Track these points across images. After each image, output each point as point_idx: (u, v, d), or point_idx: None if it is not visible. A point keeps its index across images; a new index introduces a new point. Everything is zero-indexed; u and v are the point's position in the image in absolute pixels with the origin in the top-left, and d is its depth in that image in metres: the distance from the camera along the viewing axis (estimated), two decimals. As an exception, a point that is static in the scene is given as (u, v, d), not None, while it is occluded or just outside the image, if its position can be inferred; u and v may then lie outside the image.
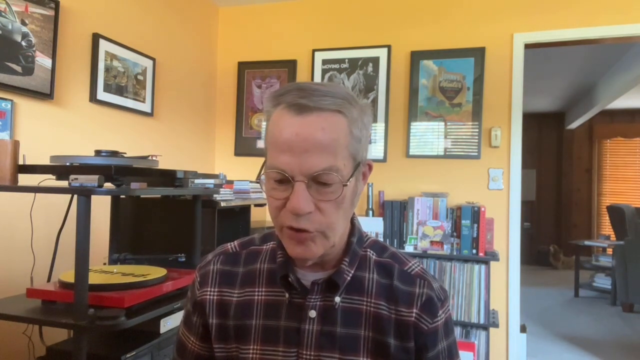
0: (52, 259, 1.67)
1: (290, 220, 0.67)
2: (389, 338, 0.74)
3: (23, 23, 1.96)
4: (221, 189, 2.17)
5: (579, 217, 7.38)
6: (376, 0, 3.17)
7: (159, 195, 1.93)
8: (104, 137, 2.44)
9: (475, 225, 2.63)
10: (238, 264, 0.82)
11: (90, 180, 1.28)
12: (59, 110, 2.18)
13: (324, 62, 3.24)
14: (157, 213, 2.00)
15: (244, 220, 2.46)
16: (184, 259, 1.73)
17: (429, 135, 3.00)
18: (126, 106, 2.58)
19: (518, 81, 2.87)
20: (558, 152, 7.54)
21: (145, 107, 2.74)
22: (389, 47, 3.11)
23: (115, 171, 1.37)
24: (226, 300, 0.79)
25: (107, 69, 2.44)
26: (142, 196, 2.03)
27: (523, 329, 2.87)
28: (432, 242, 2.68)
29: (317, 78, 3.24)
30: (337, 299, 0.75)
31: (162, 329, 1.53)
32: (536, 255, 7.33)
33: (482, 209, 2.63)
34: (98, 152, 1.58)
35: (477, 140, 2.91)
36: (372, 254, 0.79)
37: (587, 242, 5.65)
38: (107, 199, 2.00)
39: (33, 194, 1.86)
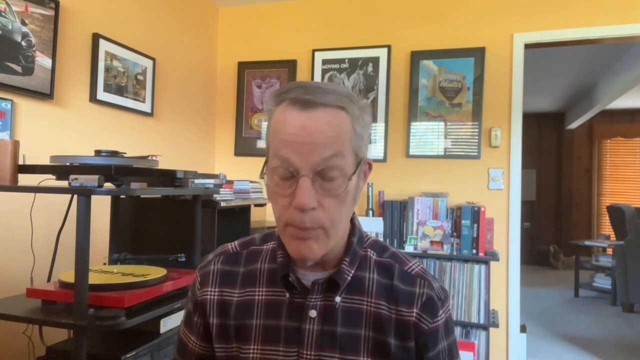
0: (52, 259, 1.67)
1: (295, 217, 0.67)
2: (389, 338, 0.74)
3: (23, 23, 1.96)
4: (221, 189, 2.17)
5: (579, 217, 7.38)
6: (376, 0, 3.17)
7: (159, 195, 1.93)
8: (104, 137, 2.44)
9: (475, 225, 2.63)
10: (239, 264, 0.82)
11: (90, 180, 1.28)
12: (59, 110, 2.18)
13: (324, 62, 3.24)
14: (157, 213, 2.00)
15: (244, 220, 2.46)
16: (184, 259, 1.73)
17: (429, 135, 3.01)
18: (126, 106, 2.58)
19: (518, 81, 2.87)
20: (558, 152, 7.54)
21: (145, 107, 2.74)
22: (389, 47, 3.11)
23: (115, 171, 1.37)
24: (227, 300, 0.79)
25: (107, 69, 2.44)
26: (142, 196, 2.03)
27: (523, 329, 2.87)
28: (432, 242, 2.68)
29: (317, 78, 3.24)
30: (338, 298, 0.75)
31: (162, 329, 1.53)
32: (536, 255, 7.33)
33: (482, 209, 2.63)
34: (98, 152, 1.58)
35: (477, 140, 2.91)
36: (373, 254, 0.79)
37: (587, 242, 5.65)
38: (107, 199, 2.00)
39: (33, 194, 1.86)
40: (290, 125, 0.67)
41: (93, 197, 1.28)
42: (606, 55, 4.59)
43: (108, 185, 1.34)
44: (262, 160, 0.74)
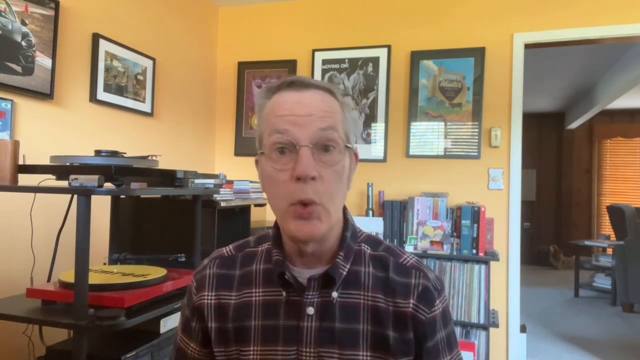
0: (52, 259, 1.67)
1: (297, 191, 0.68)
2: (387, 330, 0.74)
3: (23, 23, 1.96)
4: (221, 189, 2.17)
5: (579, 217, 7.38)
6: (376, 0, 3.17)
7: (159, 195, 1.93)
8: (104, 137, 2.44)
9: (475, 225, 2.63)
10: (234, 267, 0.82)
11: (90, 180, 1.28)
12: (59, 110, 2.18)
13: (324, 62, 3.24)
14: (157, 213, 2.00)
15: (244, 220, 2.46)
16: (184, 259, 1.73)
17: (429, 135, 3.01)
18: (126, 106, 2.58)
19: (518, 81, 2.87)
20: (558, 152, 7.54)
21: (145, 107, 2.74)
22: (389, 47, 3.11)
23: (115, 171, 1.37)
24: (224, 304, 0.79)
25: (107, 69, 2.44)
26: (142, 196, 2.03)
27: (523, 329, 2.87)
28: (432, 242, 2.68)
29: (317, 78, 3.23)
30: (335, 294, 0.75)
31: (162, 329, 1.53)
32: (536, 255, 7.33)
33: (482, 209, 2.63)
34: (98, 152, 1.58)
35: (477, 140, 2.91)
36: (367, 248, 0.80)
37: (587, 242, 5.65)
38: (107, 199, 2.00)
39: (33, 194, 1.86)
40: (286, 103, 0.71)
41: (93, 197, 1.28)
42: (606, 55, 4.59)
43: (108, 185, 1.34)
44: None
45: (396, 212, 2.84)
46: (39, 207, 1.94)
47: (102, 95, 2.41)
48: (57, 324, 1.29)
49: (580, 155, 7.41)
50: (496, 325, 2.62)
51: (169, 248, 1.84)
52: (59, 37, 2.13)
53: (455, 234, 2.71)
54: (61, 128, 2.19)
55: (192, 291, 0.82)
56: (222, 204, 2.12)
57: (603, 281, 5.13)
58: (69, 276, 1.39)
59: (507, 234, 2.87)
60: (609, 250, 5.48)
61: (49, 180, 1.54)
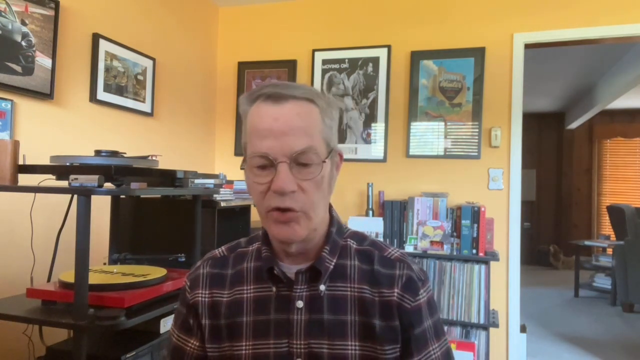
0: (52, 259, 1.67)
1: (276, 200, 0.71)
2: (374, 319, 0.76)
3: (23, 23, 1.96)
4: (221, 189, 2.17)
5: (579, 217, 7.38)
6: (376, 0, 3.17)
7: (159, 195, 1.93)
8: (104, 137, 2.44)
9: (475, 225, 2.63)
10: (226, 266, 0.84)
11: (90, 180, 1.28)
12: (59, 110, 2.18)
13: (324, 62, 3.24)
14: (157, 213, 2.00)
15: (244, 220, 2.46)
16: (184, 259, 1.73)
17: (429, 135, 3.01)
18: (126, 106, 2.58)
19: (518, 81, 2.87)
20: (558, 152, 7.54)
21: (145, 107, 2.74)
22: (389, 47, 3.11)
23: (115, 171, 1.37)
24: (217, 301, 0.81)
25: (107, 69, 2.44)
26: (142, 196, 2.03)
27: (523, 329, 2.87)
28: (432, 242, 2.68)
29: (317, 78, 3.24)
30: (322, 287, 0.77)
31: (162, 329, 1.53)
32: (536, 255, 7.33)
33: (482, 209, 2.63)
34: (98, 152, 1.58)
35: (477, 140, 2.91)
36: (353, 243, 0.83)
37: (587, 242, 5.65)
38: (107, 199, 2.00)
39: (33, 194, 1.86)
40: (264, 119, 0.72)
41: (93, 197, 1.28)
42: (606, 55, 4.59)
43: (108, 185, 1.34)
44: None
45: (396, 212, 2.84)
46: (39, 207, 1.94)
47: (102, 95, 2.41)
48: (57, 324, 1.29)
49: (580, 155, 7.41)
50: (496, 325, 2.62)
51: (169, 248, 1.84)
52: (59, 37, 2.13)
53: (455, 234, 2.71)
54: (61, 128, 2.19)
55: (186, 290, 0.85)
56: (222, 204, 2.12)
57: (603, 281, 5.13)
58: (69, 276, 1.39)
59: (507, 234, 2.87)
60: (609, 250, 5.48)
61: (49, 180, 1.54)
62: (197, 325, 0.82)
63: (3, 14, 1.88)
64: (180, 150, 3.10)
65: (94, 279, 1.42)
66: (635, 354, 3.45)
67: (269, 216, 0.74)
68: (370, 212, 2.92)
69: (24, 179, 1.55)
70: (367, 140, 3.14)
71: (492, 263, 2.68)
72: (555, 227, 7.51)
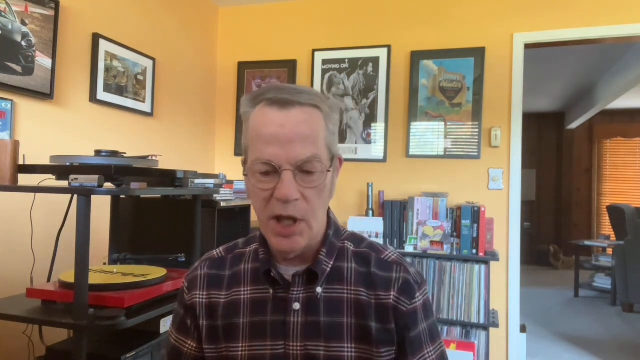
0: (52, 259, 1.67)
1: (279, 209, 0.71)
2: (370, 322, 0.76)
3: (23, 23, 1.96)
4: (221, 189, 2.17)
5: (579, 217, 7.38)
6: (376, 0, 3.17)
7: (159, 195, 1.93)
8: (104, 137, 2.44)
9: (475, 225, 2.63)
10: (224, 267, 0.84)
11: (90, 180, 1.28)
12: (59, 110, 2.18)
13: (324, 62, 3.24)
14: (157, 213, 2.00)
15: (244, 220, 2.46)
16: (184, 259, 1.73)
17: (429, 135, 3.01)
18: (126, 106, 2.58)
19: (518, 81, 2.87)
20: (558, 152, 7.54)
21: (145, 107, 2.74)
22: (389, 47, 3.11)
23: (115, 171, 1.37)
24: (214, 302, 0.81)
25: (107, 69, 2.44)
26: (142, 196, 2.03)
27: (523, 329, 2.87)
28: (432, 242, 2.68)
29: (317, 78, 3.24)
30: (319, 289, 0.77)
31: (162, 329, 1.53)
32: (536, 255, 7.33)
33: (482, 209, 2.63)
34: (98, 152, 1.58)
35: (477, 140, 2.91)
36: (350, 245, 0.83)
37: (587, 242, 5.64)
38: (107, 199, 2.00)
39: (33, 194, 1.86)
40: (269, 125, 0.71)
41: (93, 197, 1.28)
42: (606, 55, 4.59)
43: (108, 185, 1.34)
44: None
45: (396, 212, 2.84)
46: (39, 207, 1.94)
47: (102, 95, 2.41)
48: (57, 324, 1.29)
49: (580, 155, 7.41)
50: (496, 325, 2.62)
51: (169, 248, 1.83)
52: (59, 37, 2.13)
53: (455, 234, 2.71)
54: (61, 128, 2.19)
55: (184, 291, 0.85)
56: (222, 204, 2.12)
57: (603, 281, 5.13)
58: (69, 276, 1.39)
59: (507, 234, 2.87)
60: (609, 250, 5.48)
61: (49, 180, 1.54)
62: (194, 326, 0.83)
63: (3, 14, 1.88)
64: (180, 150, 3.10)
65: (94, 279, 1.42)
66: (635, 354, 3.45)
67: (270, 225, 0.73)
68: (370, 212, 2.92)
69: (24, 179, 1.55)
70: (367, 140, 3.14)
71: (492, 263, 2.68)
72: (555, 227, 7.51)
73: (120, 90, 2.54)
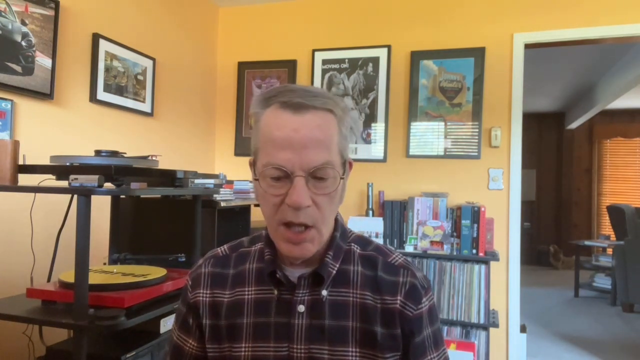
0: (52, 259, 1.67)
1: (290, 215, 0.70)
2: (375, 326, 0.76)
3: (23, 23, 1.96)
4: (221, 189, 2.17)
5: (579, 217, 7.38)
6: (376, 0, 3.17)
7: (159, 195, 1.93)
8: (104, 137, 2.44)
9: (475, 225, 2.63)
10: (228, 266, 0.83)
11: (90, 180, 1.28)
12: (59, 110, 2.18)
13: (324, 62, 3.24)
14: (157, 213, 2.00)
15: (244, 220, 2.46)
16: (184, 259, 1.73)
17: (429, 135, 3.01)
18: (126, 106, 2.58)
19: (518, 81, 2.87)
20: (558, 152, 7.54)
21: (145, 107, 2.74)
22: (389, 47, 3.11)
23: (115, 171, 1.37)
24: (218, 301, 0.81)
25: (107, 69, 2.44)
26: (142, 196, 2.03)
27: (523, 329, 2.87)
28: (432, 242, 2.68)
29: (317, 78, 3.24)
30: (324, 292, 0.77)
31: (162, 329, 1.53)
32: (536, 255, 7.33)
33: (482, 209, 2.63)
34: (98, 152, 1.58)
35: (477, 140, 2.91)
36: (357, 248, 0.82)
37: (587, 242, 5.65)
38: (107, 199, 2.00)
39: (33, 194, 1.86)
40: (282, 128, 0.69)
41: (93, 197, 1.28)
42: (606, 55, 4.59)
43: (108, 185, 1.34)
44: None
45: (396, 212, 2.84)
46: (39, 207, 1.94)
47: (102, 95, 2.41)
48: (57, 324, 1.29)
49: (580, 155, 7.41)
50: (496, 325, 2.62)
51: (169, 248, 1.83)
52: (59, 37, 2.13)
53: (455, 234, 2.71)
54: (61, 128, 2.19)
55: (187, 289, 0.84)
56: (222, 204, 2.12)
57: (603, 281, 5.13)
58: (69, 276, 1.39)
59: (507, 234, 2.87)
60: (609, 250, 5.48)
61: (49, 180, 1.54)
62: (196, 325, 0.82)
63: (3, 14, 1.88)
64: (180, 150, 3.10)
65: (94, 279, 1.42)
66: (635, 354, 3.45)
67: (280, 231, 0.72)
68: (370, 212, 2.92)
69: (24, 179, 1.55)
70: (367, 140, 3.14)
71: (492, 263, 2.68)
72: (555, 227, 7.51)
73: (120, 90, 2.54)
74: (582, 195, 7.39)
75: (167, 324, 1.55)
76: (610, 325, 4.20)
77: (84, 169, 1.40)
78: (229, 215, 2.40)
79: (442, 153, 2.98)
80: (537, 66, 4.79)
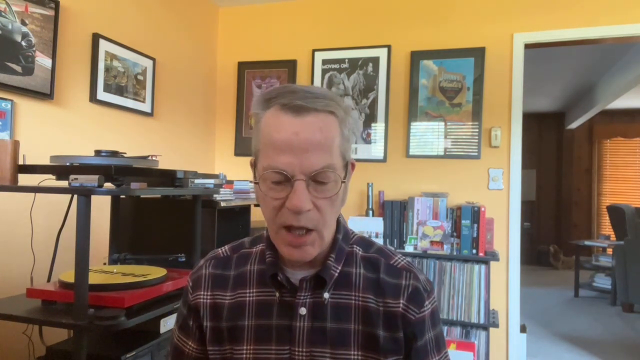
0: (52, 259, 1.67)
1: (290, 219, 0.69)
2: (378, 330, 0.75)
3: (23, 23, 1.96)
4: (221, 189, 2.17)
5: (579, 217, 7.38)
6: (376, 0, 3.17)
7: (159, 195, 1.93)
8: (104, 137, 2.44)
9: (475, 225, 2.63)
10: (229, 267, 0.83)
11: (90, 180, 1.28)
12: (59, 110, 2.18)
13: (324, 62, 3.24)
14: (157, 213, 2.00)
15: (244, 220, 2.46)
16: (184, 259, 1.73)
17: (429, 135, 3.00)
18: (126, 106, 2.58)
19: (518, 81, 2.87)
20: (558, 152, 7.54)
21: (145, 107, 2.74)
22: (389, 47, 3.11)
23: (115, 171, 1.37)
24: (219, 303, 0.80)
25: (107, 69, 2.44)
26: (142, 196, 2.03)
27: (523, 329, 2.87)
28: (432, 242, 2.68)
29: (317, 78, 3.24)
30: (326, 294, 0.76)
31: (162, 329, 1.53)
32: (536, 255, 7.33)
33: (482, 209, 2.63)
34: (98, 152, 1.58)
35: (477, 140, 2.91)
36: (359, 250, 0.81)
37: (587, 242, 5.65)
38: (107, 199, 2.00)
39: (33, 194, 1.86)
40: (282, 131, 0.68)
41: (93, 197, 1.28)
42: (606, 55, 4.59)
43: (108, 185, 1.34)
44: None
45: (396, 212, 2.84)
46: (39, 207, 1.94)
47: (102, 95, 2.41)
48: (57, 324, 1.29)
49: (580, 155, 7.41)
50: (496, 325, 2.62)
51: (169, 248, 1.84)
52: (59, 37, 2.13)
53: (455, 234, 2.71)
54: (61, 128, 2.19)
55: (188, 290, 0.84)
56: (222, 204, 2.12)
57: (603, 281, 5.13)
58: (69, 276, 1.39)
59: (507, 234, 2.87)
60: (609, 250, 5.48)
61: (49, 180, 1.54)
62: (196, 327, 0.82)
63: (3, 14, 1.88)
64: (180, 150, 3.10)
65: (94, 279, 1.42)
66: (635, 354, 3.45)
67: (281, 234, 0.71)
68: (370, 212, 2.92)
69: (24, 179, 1.55)
70: (367, 140, 3.14)
71: (492, 263, 2.68)
72: (555, 227, 7.51)
73: (120, 90, 2.54)
74: (582, 195, 7.39)
75: (167, 324, 1.55)
76: (610, 325, 4.20)
77: (84, 169, 1.40)
78: (229, 215, 2.40)
79: (442, 153, 2.98)
80: (537, 66, 4.79)
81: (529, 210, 7.38)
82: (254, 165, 0.75)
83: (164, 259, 1.75)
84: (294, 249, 0.71)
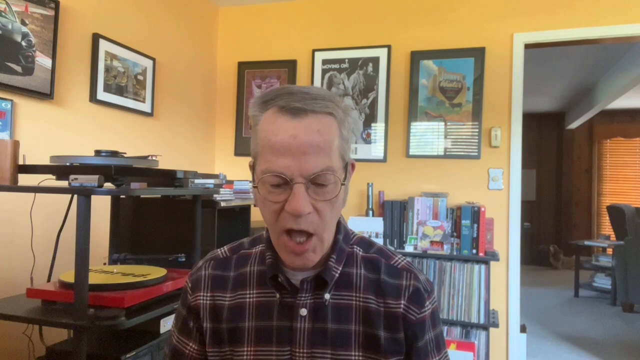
0: (52, 259, 1.67)
1: (290, 222, 0.68)
2: (379, 331, 0.75)
3: (23, 23, 1.96)
4: (221, 189, 2.17)
5: (579, 217, 7.38)
6: (376, 0, 3.18)
7: (159, 195, 1.93)
8: (104, 137, 2.44)
9: (475, 225, 2.63)
10: (229, 268, 0.82)
11: (90, 180, 1.28)
12: (59, 110, 2.18)
13: (324, 62, 3.24)
14: (157, 213, 2.00)
15: (244, 220, 2.46)
16: (184, 259, 1.73)
17: (429, 135, 3.01)
18: (126, 106, 2.58)
19: (518, 81, 2.87)
20: (558, 152, 7.54)
21: (145, 107, 2.74)
22: (389, 47, 3.11)
23: (115, 171, 1.37)
24: (219, 305, 0.80)
25: (107, 69, 2.44)
26: (142, 196, 2.03)
27: (523, 329, 2.87)
28: (432, 242, 2.68)
29: (317, 78, 3.24)
30: (327, 295, 0.76)
31: (162, 329, 1.53)
32: (536, 255, 7.33)
33: (482, 209, 2.63)
34: (98, 152, 1.58)
35: (477, 140, 2.91)
36: (359, 250, 0.81)
37: (587, 242, 5.65)
38: (107, 199, 2.00)
39: (33, 194, 1.86)
40: (281, 134, 0.67)
41: (93, 197, 1.28)
42: (606, 55, 4.59)
43: (108, 185, 1.34)
44: None
45: (396, 212, 2.84)
46: (39, 207, 1.94)
47: (102, 95, 2.41)
48: (57, 324, 1.29)
49: (580, 155, 7.41)
50: (496, 325, 2.62)
51: (169, 248, 1.84)
52: (59, 37, 2.13)
53: (455, 234, 2.71)
54: (61, 128, 2.19)
55: (187, 292, 0.83)
56: (222, 204, 2.12)
57: (603, 281, 5.13)
58: (69, 276, 1.39)
59: (507, 234, 2.87)
60: (609, 250, 5.48)
61: (49, 180, 1.54)
62: (196, 328, 0.81)
63: (3, 14, 1.88)
64: (180, 150, 3.10)
65: (94, 279, 1.42)
66: (635, 354, 3.45)
67: (282, 240, 0.71)
68: (370, 212, 2.92)
69: (24, 179, 1.55)
70: (367, 140, 3.14)
71: (492, 263, 2.68)
72: (555, 227, 7.51)
73: (120, 90, 2.54)
74: (582, 195, 7.39)
75: (167, 324, 1.55)
76: (610, 325, 4.20)
77: (84, 169, 1.40)
78: (229, 215, 2.40)
79: (442, 153, 2.98)
80: (537, 66, 4.79)
81: (529, 210, 7.38)
82: (252, 167, 0.74)
83: (164, 259, 1.75)
84: (295, 256, 0.71)
